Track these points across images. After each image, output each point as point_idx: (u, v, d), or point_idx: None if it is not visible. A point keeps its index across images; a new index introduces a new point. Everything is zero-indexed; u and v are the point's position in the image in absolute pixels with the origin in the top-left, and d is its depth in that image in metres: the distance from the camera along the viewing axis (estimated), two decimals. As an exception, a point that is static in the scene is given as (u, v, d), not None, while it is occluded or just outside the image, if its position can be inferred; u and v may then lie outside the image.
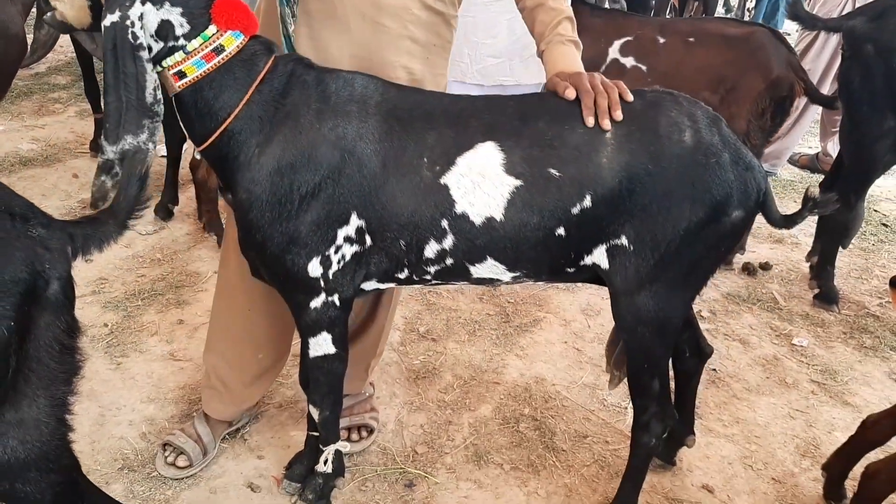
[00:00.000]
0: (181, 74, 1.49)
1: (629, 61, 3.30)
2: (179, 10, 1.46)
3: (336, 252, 1.57)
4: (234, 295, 1.97)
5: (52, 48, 3.52)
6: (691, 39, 3.26)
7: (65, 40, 5.19)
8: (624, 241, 1.55)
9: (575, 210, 1.51)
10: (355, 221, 1.55)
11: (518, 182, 1.51)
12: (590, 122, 1.52)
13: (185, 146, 3.35)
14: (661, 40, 3.27)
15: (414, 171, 1.53)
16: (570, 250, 1.58)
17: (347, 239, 1.56)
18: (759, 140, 3.33)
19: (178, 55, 1.48)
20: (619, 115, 1.53)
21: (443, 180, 1.52)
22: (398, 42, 1.74)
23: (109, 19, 1.42)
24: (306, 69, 1.58)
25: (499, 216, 1.52)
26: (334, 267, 1.58)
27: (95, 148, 3.93)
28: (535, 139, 1.54)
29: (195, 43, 1.48)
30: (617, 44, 3.30)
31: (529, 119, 1.57)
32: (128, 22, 1.42)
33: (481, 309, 2.97)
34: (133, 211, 1.36)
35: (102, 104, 1.48)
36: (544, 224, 1.52)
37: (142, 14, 1.43)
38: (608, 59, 3.32)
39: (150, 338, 2.56)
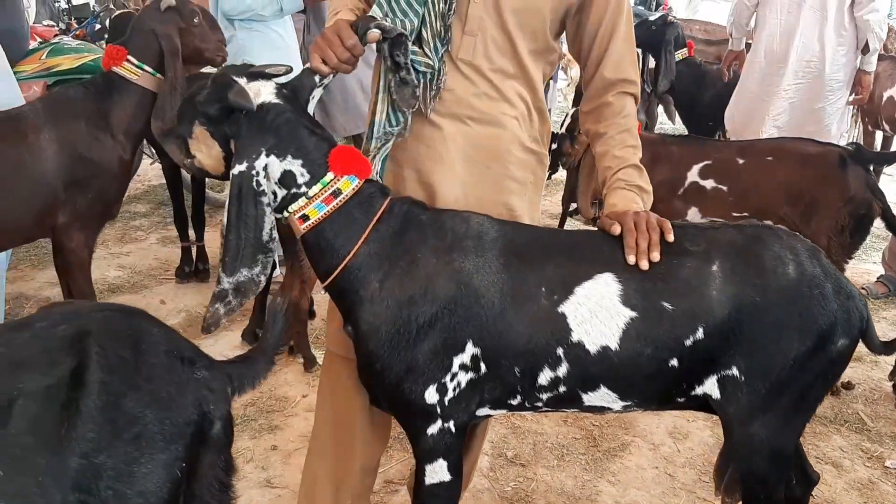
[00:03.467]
0: (305, 217, 1.67)
1: (709, 183, 3.45)
2: (300, 161, 1.65)
3: (452, 379, 1.67)
4: (329, 444, 2.07)
5: (133, 174, 3.79)
6: (770, 158, 3.41)
7: (142, 170, 5.57)
8: (735, 371, 1.64)
9: (688, 342, 1.61)
10: (470, 349, 1.66)
11: (633, 313, 1.62)
12: (630, 259, 1.65)
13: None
14: (741, 161, 3.43)
15: (532, 300, 1.64)
16: (682, 381, 1.66)
17: (462, 366, 1.67)
18: (839, 257, 3.41)
19: (301, 201, 1.66)
20: (656, 256, 1.64)
21: (560, 309, 1.63)
22: (501, 182, 1.90)
23: (238, 169, 1.62)
24: (421, 209, 1.74)
25: (614, 346, 1.62)
26: (450, 394, 1.68)
27: (181, 275, 4.17)
28: (649, 273, 1.65)
29: (315, 189, 1.66)
30: (696, 168, 3.46)
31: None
32: (253, 171, 1.62)
33: (567, 432, 3.02)
34: (279, 347, 1.50)
35: (223, 240, 1.64)
36: (658, 355, 1.62)
37: (266, 165, 1.63)
38: (687, 183, 3.48)
39: (246, 464, 2.67)
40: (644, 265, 1.63)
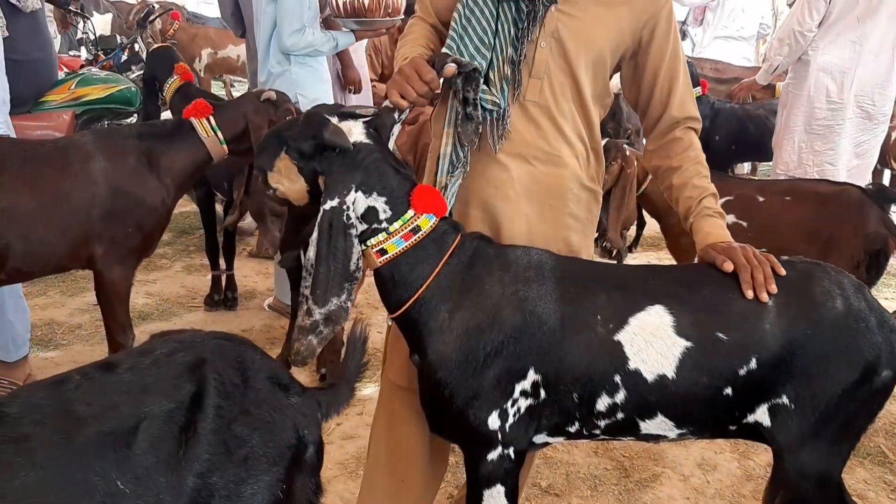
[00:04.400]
0: (383, 252, 1.77)
1: (730, 218, 3.56)
2: (384, 198, 1.76)
3: (513, 405, 1.77)
4: (385, 478, 2.15)
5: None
6: (788, 198, 3.54)
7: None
8: (785, 400, 1.74)
9: (742, 371, 1.71)
10: (532, 376, 1.75)
11: (688, 343, 1.72)
12: (749, 294, 1.74)
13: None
14: (760, 199, 3.55)
15: (589, 328, 1.74)
16: (735, 409, 1.76)
17: (523, 392, 1.76)
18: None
19: (381, 235, 1.76)
20: (774, 289, 1.75)
21: (616, 337, 1.73)
22: (561, 219, 2.01)
23: (329, 204, 1.72)
24: (488, 244, 1.85)
25: (670, 374, 1.72)
26: (510, 420, 1.78)
27: (210, 303, 4.28)
28: (701, 305, 1.76)
29: (396, 225, 1.76)
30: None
31: (693, 287, 1.81)
32: (344, 206, 1.72)
33: (598, 463, 3.11)
34: (359, 375, 1.60)
35: (312, 273, 1.73)
36: (713, 384, 1.72)
37: (354, 199, 1.74)
38: (709, 217, 3.59)
39: (289, 489, 2.74)
40: (764, 297, 1.74)
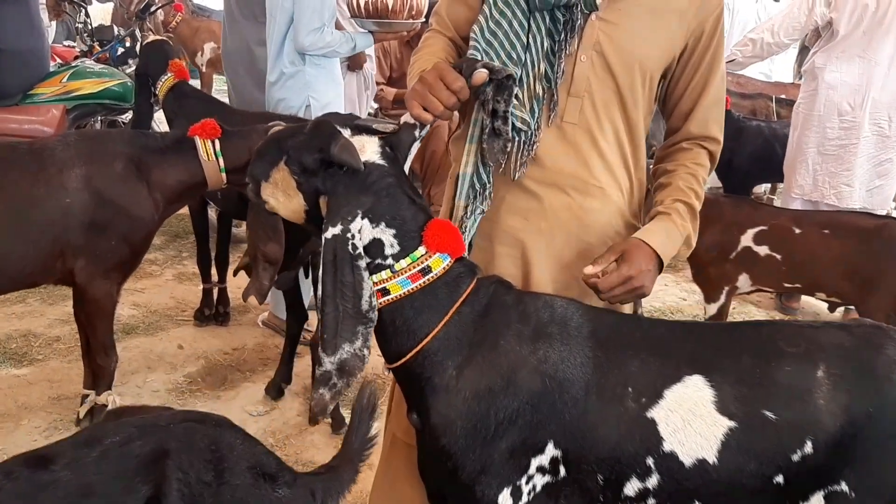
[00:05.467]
0: (385, 292, 1.54)
1: (763, 249, 3.36)
2: (393, 231, 1.53)
3: (527, 482, 1.54)
4: None
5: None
6: (826, 231, 3.32)
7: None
8: (844, 487, 1.50)
9: (795, 457, 1.48)
10: (551, 451, 1.53)
11: (732, 423, 1.49)
12: (588, 269, 1.63)
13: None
14: (797, 231, 3.33)
15: (618, 400, 1.52)
16: (785, 498, 1.53)
17: (540, 469, 1.54)
18: (899, 336, 3.30)
19: (385, 273, 1.53)
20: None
21: (649, 414, 1.51)
22: None
23: (331, 232, 1.48)
24: (507, 290, 1.62)
25: (712, 459, 1.49)
26: (524, 499, 1.55)
27: (200, 318, 4.05)
28: (743, 375, 1.53)
29: (403, 263, 1.53)
30: (750, 232, 3.37)
31: (732, 352, 1.57)
32: (349, 234, 1.48)
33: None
34: (365, 453, 1.37)
35: (319, 315, 1.51)
36: (762, 471, 1.49)
37: (361, 227, 1.50)
38: (740, 247, 3.38)
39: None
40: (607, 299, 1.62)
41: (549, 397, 1.52)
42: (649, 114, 1.85)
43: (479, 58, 1.67)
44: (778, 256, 3.35)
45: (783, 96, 6.64)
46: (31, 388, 3.31)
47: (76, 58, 5.53)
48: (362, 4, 3.53)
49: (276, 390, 3.37)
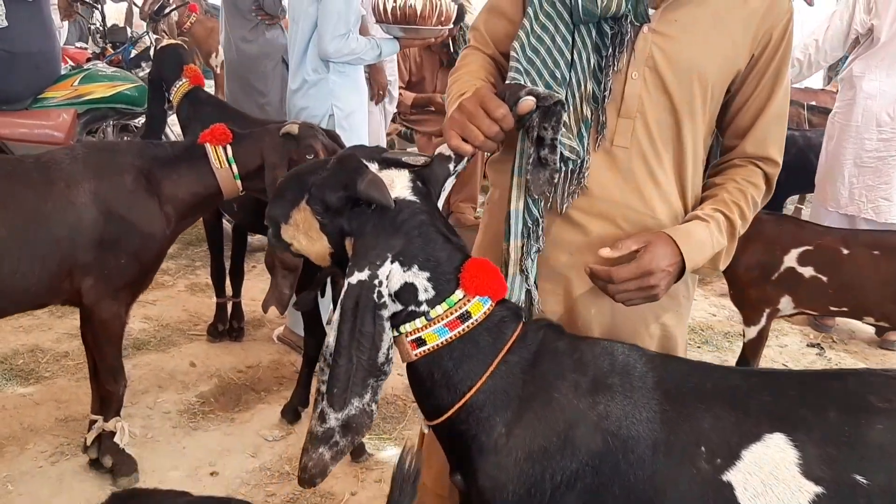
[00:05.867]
0: (420, 342, 1.38)
1: (808, 271, 3.17)
2: (427, 274, 1.37)
3: (587, 554, 1.38)
4: None
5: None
6: (876, 252, 3.14)
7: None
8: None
9: (893, 529, 1.31)
10: (613, 517, 1.37)
11: (819, 489, 1.32)
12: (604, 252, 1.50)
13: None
14: (845, 251, 3.15)
15: (689, 461, 1.35)
16: (880, 575, 1.36)
17: (601, 537, 1.38)
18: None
19: (419, 321, 1.38)
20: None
21: (725, 477, 1.34)
22: None
23: (357, 277, 1.33)
24: (558, 335, 1.46)
25: (798, 530, 1.32)
26: (583, 569, 1.39)
27: (213, 333, 3.89)
28: (830, 434, 1.35)
29: (439, 309, 1.38)
30: (794, 252, 3.19)
31: (816, 406, 1.39)
32: (376, 281, 1.33)
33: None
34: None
35: (332, 366, 1.34)
36: (855, 545, 1.32)
37: (390, 272, 1.35)
38: (783, 268, 3.20)
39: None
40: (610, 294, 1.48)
41: (611, 458, 1.35)
42: (710, 134, 1.69)
43: (521, 79, 1.51)
44: (824, 278, 3.17)
45: (814, 103, 6.45)
46: (38, 409, 3.16)
47: (88, 60, 5.41)
48: (389, 9, 3.38)
49: (292, 413, 3.21)
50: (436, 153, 1.46)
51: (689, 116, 1.58)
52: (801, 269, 3.20)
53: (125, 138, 5.33)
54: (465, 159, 1.46)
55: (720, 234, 1.59)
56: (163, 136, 4.01)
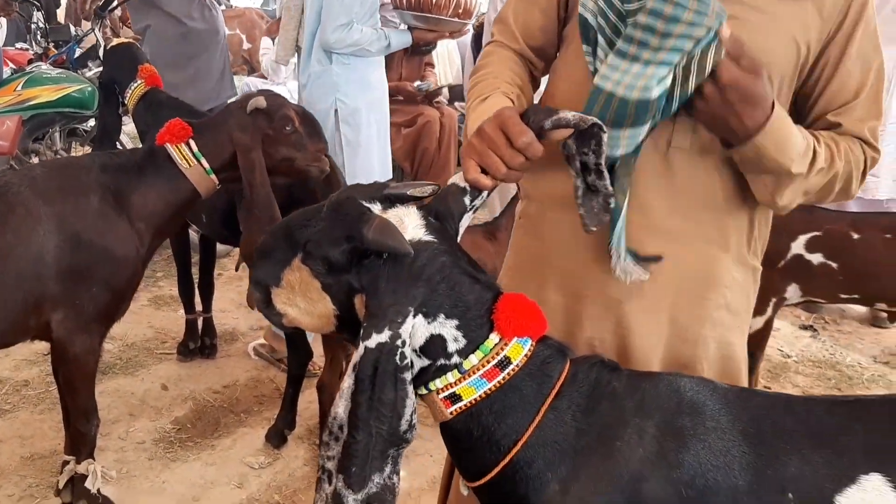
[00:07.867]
0: (454, 398, 1.20)
1: (816, 258, 3.02)
2: (455, 321, 1.19)
3: None
4: None
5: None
6: (888, 235, 2.99)
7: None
8: None
9: None
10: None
11: (927, 538, 1.15)
12: None
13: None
14: (855, 236, 3.00)
15: (775, 509, 1.18)
16: None
17: None
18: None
19: (451, 375, 1.20)
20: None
21: (818, 528, 1.17)
22: (714, 314, 1.46)
23: (375, 340, 1.13)
24: (613, 373, 1.27)
25: (902, 586, 1.15)
26: None
27: (184, 352, 3.65)
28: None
29: (473, 359, 1.19)
30: (802, 238, 3.03)
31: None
32: (399, 342, 1.13)
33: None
34: None
35: (348, 443, 1.15)
36: None
37: (413, 327, 1.16)
38: (790, 255, 3.04)
39: None
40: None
41: (687, 514, 1.17)
42: None
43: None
44: (834, 265, 3.01)
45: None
46: (1, 447, 2.89)
47: (30, 62, 5.09)
48: None
49: (278, 438, 2.98)
50: (448, 183, 1.28)
51: None
52: (809, 256, 3.04)
53: (74, 144, 5.03)
54: (485, 193, 1.27)
55: (819, 149, 1.34)
56: (118, 144, 3.73)
